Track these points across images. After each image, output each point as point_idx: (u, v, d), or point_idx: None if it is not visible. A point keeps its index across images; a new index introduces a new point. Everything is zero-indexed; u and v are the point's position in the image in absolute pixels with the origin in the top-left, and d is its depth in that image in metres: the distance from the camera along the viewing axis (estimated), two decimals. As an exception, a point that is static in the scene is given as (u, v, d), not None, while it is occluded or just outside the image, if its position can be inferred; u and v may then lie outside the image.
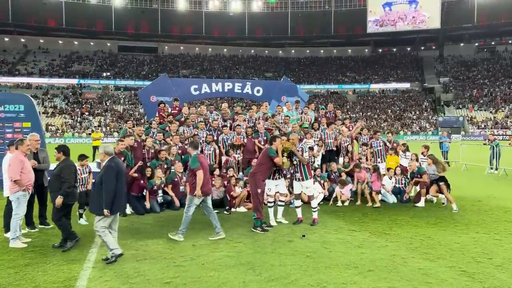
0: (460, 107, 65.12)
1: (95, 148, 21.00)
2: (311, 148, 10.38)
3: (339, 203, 10.13)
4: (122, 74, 74.24)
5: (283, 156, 7.91)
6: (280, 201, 8.53)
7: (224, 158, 11.06)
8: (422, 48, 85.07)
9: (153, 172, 9.83)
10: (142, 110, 51.61)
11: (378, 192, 10.33)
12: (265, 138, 11.07)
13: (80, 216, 8.32)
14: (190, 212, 7.18)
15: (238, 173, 10.88)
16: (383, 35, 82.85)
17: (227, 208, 9.49)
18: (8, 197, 7.04)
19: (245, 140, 11.23)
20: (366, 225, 8.09)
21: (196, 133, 11.37)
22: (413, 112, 66.18)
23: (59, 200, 6.32)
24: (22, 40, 76.36)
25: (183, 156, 10.60)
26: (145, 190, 9.54)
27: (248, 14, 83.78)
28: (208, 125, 11.93)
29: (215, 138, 11.33)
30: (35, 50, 75.28)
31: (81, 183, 8.27)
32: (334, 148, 11.78)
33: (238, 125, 11.47)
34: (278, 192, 8.42)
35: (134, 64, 78.14)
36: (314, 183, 9.38)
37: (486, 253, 6.30)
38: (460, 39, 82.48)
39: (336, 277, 5.31)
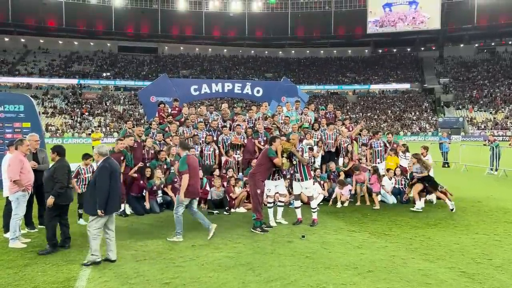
0: (460, 107, 65.15)
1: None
2: (311, 149, 10.39)
3: (339, 204, 10.13)
4: (122, 74, 74.25)
5: (282, 156, 7.91)
6: (279, 201, 8.52)
7: (223, 159, 11.06)
8: (422, 48, 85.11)
9: (152, 173, 9.83)
10: (142, 111, 51.58)
11: (378, 193, 10.33)
12: (265, 138, 11.06)
13: (80, 216, 8.31)
14: (180, 212, 7.17)
15: (238, 174, 10.89)
16: (383, 35, 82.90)
17: (226, 208, 9.48)
18: (7, 197, 7.04)
19: (245, 141, 11.23)
20: (365, 226, 8.08)
21: (195, 133, 11.37)
22: (413, 113, 66.20)
23: (50, 200, 6.32)
24: (22, 40, 76.34)
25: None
26: (144, 191, 9.55)
27: (248, 15, 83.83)
28: (208, 125, 11.93)
29: (214, 138, 11.33)
30: (35, 50, 75.28)
31: (83, 183, 8.20)
32: (334, 149, 11.78)
33: (238, 125, 11.47)
34: (277, 192, 8.41)
35: (134, 65, 78.13)
36: (313, 184, 9.39)
37: (485, 254, 6.30)
38: (460, 40, 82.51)
39: (336, 277, 5.30)
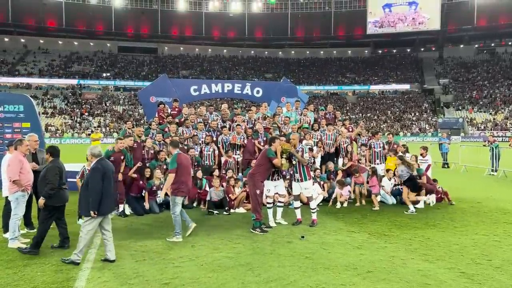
0: (460, 108, 65.17)
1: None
2: (310, 149, 10.39)
3: (338, 205, 10.13)
4: (122, 74, 74.26)
5: (282, 157, 7.91)
6: (279, 202, 8.52)
7: (223, 159, 11.06)
8: (422, 49, 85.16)
9: (152, 173, 9.83)
10: (142, 111, 51.58)
11: (377, 195, 10.33)
12: (264, 139, 11.07)
13: (80, 216, 8.31)
14: (177, 212, 7.20)
15: (238, 174, 10.89)
16: (383, 36, 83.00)
17: (226, 209, 9.48)
18: (7, 197, 7.03)
19: (245, 141, 11.23)
20: (365, 226, 8.08)
21: (195, 133, 11.37)
22: (412, 114, 66.23)
23: (40, 201, 6.32)
24: (22, 40, 76.36)
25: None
26: (144, 191, 9.54)
27: (248, 15, 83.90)
28: (207, 125, 11.93)
29: (214, 138, 11.33)
30: (35, 50, 75.29)
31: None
32: (333, 150, 11.78)
33: (238, 124, 11.47)
34: (277, 193, 8.41)
35: (134, 65, 78.16)
36: (313, 184, 9.39)
37: (485, 254, 6.30)
38: (460, 40, 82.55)
39: (335, 278, 5.30)
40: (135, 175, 9.49)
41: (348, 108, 68.32)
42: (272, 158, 7.80)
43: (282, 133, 11.43)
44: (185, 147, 10.93)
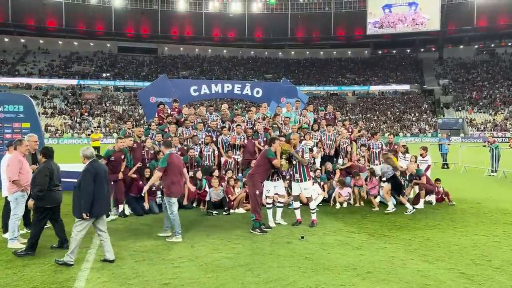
0: (460, 109, 65.20)
1: (94, 149, 20.97)
2: (310, 150, 10.38)
3: (337, 205, 10.13)
4: (122, 75, 74.25)
5: (281, 158, 7.90)
6: (278, 202, 8.52)
7: (223, 159, 11.06)
8: (422, 50, 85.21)
9: (152, 173, 9.80)
10: (142, 111, 51.58)
11: (376, 196, 10.33)
12: (264, 139, 11.07)
13: None
14: (175, 211, 7.21)
15: (238, 174, 10.89)
16: (383, 36, 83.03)
17: (225, 209, 9.48)
18: (6, 197, 7.03)
19: (245, 141, 11.23)
20: (365, 227, 8.08)
21: (195, 134, 11.37)
22: (412, 114, 66.24)
23: (30, 202, 6.31)
24: (22, 40, 76.35)
25: (182, 157, 10.59)
26: (143, 191, 9.52)
27: (248, 15, 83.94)
28: (206, 125, 11.93)
29: (214, 139, 11.33)
30: (35, 50, 75.26)
31: None
32: (333, 153, 11.78)
33: (238, 125, 11.47)
34: (277, 193, 8.40)
35: (133, 65, 78.16)
36: (313, 184, 9.39)
37: (485, 255, 6.30)
38: (460, 41, 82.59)
39: (335, 279, 5.30)
40: (134, 176, 9.49)
41: (348, 108, 68.34)
42: (271, 159, 7.80)
43: (282, 133, 11.43)
44: (185, 148, 10.95)
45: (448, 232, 7.67)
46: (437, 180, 10.99)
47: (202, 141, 11.20)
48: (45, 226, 7.72)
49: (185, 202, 9.87)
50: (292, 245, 6.81)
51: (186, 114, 12.24)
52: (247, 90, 15.40)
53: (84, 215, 5.72)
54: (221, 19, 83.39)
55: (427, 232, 7.71)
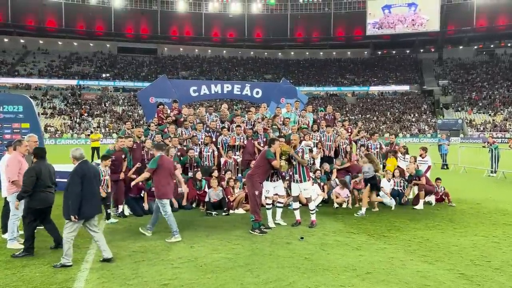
0: (459, 109, 65.25)
1: (94, 149, 21.01)
2: (310, 150, 10.38)
3: (335, 205, 10.14)
4: (122, 75, 74.23)
5: (281, 159, 7.90)
6: (278, 202, 8.51)
7: (223, 160, 11.05)
8: (421, 50, 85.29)
9: (151, 174, 9.80)
10: (141, 112, 51.56)
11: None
12: (264, 139, 11.07)
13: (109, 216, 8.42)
14: (168, 211, 7.26)
15: (237, 175, 10.88)
16: (382, 37, 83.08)
17: (225, 209, 9.47)
18: (5, 197, 7.02)
19: (245, 142, 11.22)
20: (364, 228, 8.08)
21: (194, 134, 11.36)
22: (412, 115, 66.27)
23: (16, 202, 6.30)
24: (22, 40, 76.31)
25: (181, 158, 10.61)
26: (143, 192, 9.53)
27: (247, 16, 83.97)
28: (205, 126, 11.93)
29: (213, 139, 11.32)
30: (35, 51, 75.22)
31: (103, 184, 8.27)
32: (332, 154, 11.77)
33: (238, 125, 11.47)
34: (276, 194, 8.40)
35: (133, 65, 78.14)
36: (313, 185, 9.38)
37: (484, 256, 6.30)
38: (459, 42, 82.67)
39: (334, 279, 5.30)
40: (134, 176, 9.44)
41: (347, 109, 68.36)
42: (271, 160, 7.79)
43: (282, 134, 11.43)
44: (185, 148, 10.94)
45: (447, 233, 7.67)
46: (438, 179, 11.00)
47: (201, 142, 11.20)
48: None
49: (184, 203, 9.87)
50: (291, 246, 6.81)
51: (185, 115, 12.23)
52: (247, 91, 15.38)
53: (72, 217, 5.68)
54: (221, 20, 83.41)
55: (426, 232, 7.71)
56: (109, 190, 8.54)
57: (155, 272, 5.56)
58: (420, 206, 10.04)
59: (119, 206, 9.09)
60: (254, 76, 76.18)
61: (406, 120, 64.33)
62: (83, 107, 63.40)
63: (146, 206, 9.41)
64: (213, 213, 9.30)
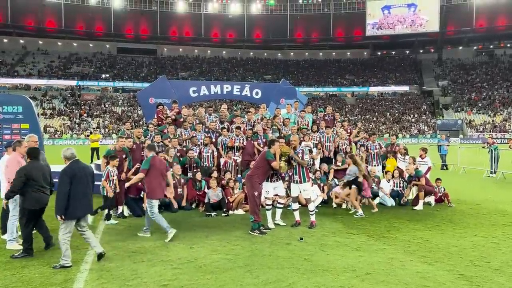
0: (459, 110, 65.30)
1: (93, 150, 20.98)
2: (310, 151, 10.38)
3: (333, 204, 10.13)
4: (121, 75, 74.22)
5: (281, 160, 7.90)
6: (278, 203, 8.51)
7: (222, 160, 11.05)
8: (421, 51, 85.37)
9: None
10: (141, 112, 51.56)
11: (375, 198, 10.32)
12: (264, 140, 11.06)
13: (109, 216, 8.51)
14: (155, 212, 7.34)
15: (237, 175, 10.87)
16: (382, 38, 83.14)
17: (224, 210, 9.47)
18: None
19: (245, 142, 11.22)
20: (364, 228, 8.08)
21: (194, 135, 11.36)
22: (411, 115, 66.30)
23: (4, 201, 6.31)
24: (21, 41, 76.29)
25: (181, 158, 10.61)
26: (142, 192, 9.52)
27: (247, 16, 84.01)
28: (205, 127, 11.93)
29: (213, 140, 11.32)
30: (34, 51, 75.21)
31: (111, 184, 8.34)
32: (332, 155, 11.77)
33: (238, 127, 11.46)
34: (276, 194, 8.39)
35: (133, 66, 78.14)
36: (312, 186, 9.38)
37: (484, 256, 6.30)
38: (459, 42, 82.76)
39: (334, 280, 5.29)
40: (133, 177, 9.45)
41: (347, 109, 68.37)
42: (270, 161, 7.79)
43: (282, 134, 11.43)
44: (184, 149, 10.94)
45: (447, 234, 7.67)
46: (438, 179, 11.01)
47: (201, 142, 11.19)
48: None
49: (183, 203, 9.86)
50: (291, 247, 6.80)
51: (185, 115, 12.23)
52: (246, 91, 15.39)
53: (59, 218, 5.66)
54: (220, 20, 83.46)
55: (426, 233, 7.71)
56: (118, 190, 8.56)
57: (154, 272, 5.55)
58: (419, 206, 10.04)
59: (119, 206, 9.08)
60: (253, 76, 76.20)
61: (405, 121, 64.37)
62: (82, 107, 63.40)
63: (145, 206, 9.38)
64: (213, 213, 9.29)
